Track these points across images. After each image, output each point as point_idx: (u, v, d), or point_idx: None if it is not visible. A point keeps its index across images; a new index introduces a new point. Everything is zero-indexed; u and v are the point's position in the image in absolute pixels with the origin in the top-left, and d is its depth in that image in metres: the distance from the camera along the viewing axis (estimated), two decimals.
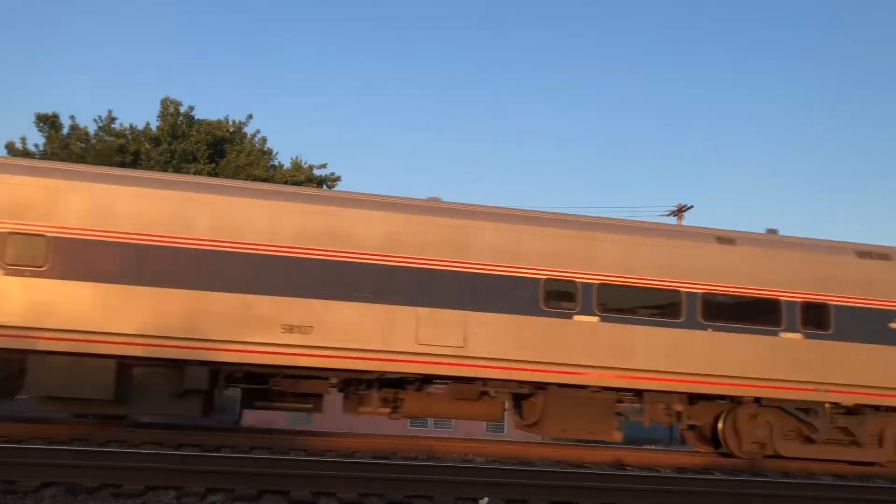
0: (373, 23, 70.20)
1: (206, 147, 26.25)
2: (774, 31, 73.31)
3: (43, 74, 58.58)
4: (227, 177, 25.09)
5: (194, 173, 23.87)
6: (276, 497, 7.28)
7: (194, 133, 26.46)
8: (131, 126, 27.04)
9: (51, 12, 59.41)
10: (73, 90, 57.59)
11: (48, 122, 26.31)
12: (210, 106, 62.21)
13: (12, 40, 58.51)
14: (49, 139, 26.16)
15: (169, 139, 26.07)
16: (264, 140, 28.15)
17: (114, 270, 10.72)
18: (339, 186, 28.32)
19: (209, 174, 24.63)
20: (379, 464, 8.45)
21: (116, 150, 25.37)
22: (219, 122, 27.58)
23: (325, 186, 27.59)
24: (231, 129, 27.67)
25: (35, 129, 26.60)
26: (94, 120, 26.95)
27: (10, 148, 25.79)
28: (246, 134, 28.02)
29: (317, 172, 27.73)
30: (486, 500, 7.64)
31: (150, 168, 24.22)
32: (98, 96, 60.26)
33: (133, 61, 58.52)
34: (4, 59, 58.17)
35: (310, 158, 37.20)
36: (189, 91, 63.21)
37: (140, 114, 48.69)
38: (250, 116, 28.40)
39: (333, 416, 14.58)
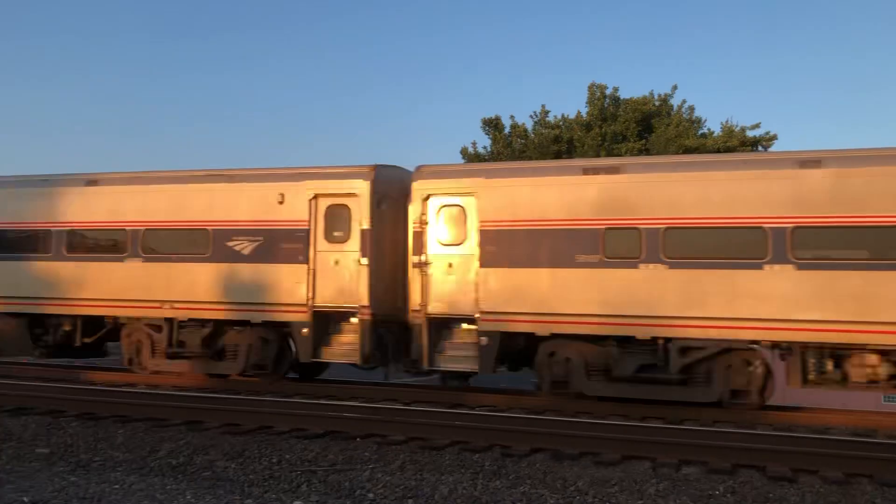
0: None
1: (634, 125, 26.62)
2: None
3: (489, 83, 64.98)
4: (657, 152, 25.16)
5: (625, 153, 24.39)
6: (752, 471, 7.12)
7: (622, 113, 26.98)
8: (563, 116, 28.59)
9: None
10: (514, 93, 62.93)
11: (492, 125, 29.08)
12: (634, 83, 63.16)
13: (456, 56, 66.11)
14: (494, 140, 28.89)
15: (599, 123, 26.99)
16: (692, 109, 27.59)
17: None
18: (776, 146, 26.54)
19: (639, 152, 24.95)
20: (866, 442, 7.73)
21: (552, 141, 27.05)
22: (644, 98, 27.73)
23: (759, 148, 26.08)
24: (657, 103, 27.64)
25: (482, 133, 29.64)
26: (530, 116, 29.07)
27: (464, 153, 29.11)
28: (672, 106, 27.75)
29: (750, 134, 26.36)
30: None
31: (584, 154, 25.33)
32: (533, 94, 65.02)
33: (560, 56, 61.90)
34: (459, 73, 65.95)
35: (740, 120, 35.31)
36: (613, 73, 64.80)
37: (570, 104, 51.56)
38: (675, 87, 28.06)
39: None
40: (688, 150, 23.38)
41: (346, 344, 12.28)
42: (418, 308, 11.99)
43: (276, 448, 7.92)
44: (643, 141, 26.44)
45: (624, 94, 27.98)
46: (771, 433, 8.33)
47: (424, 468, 7.23)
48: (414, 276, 12.11)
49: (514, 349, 11.91)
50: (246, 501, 6.18)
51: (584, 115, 27.87)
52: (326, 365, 13.57)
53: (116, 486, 6.42)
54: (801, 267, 10.23)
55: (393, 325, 12.38)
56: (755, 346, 10.62)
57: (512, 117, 28.88)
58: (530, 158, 25.24)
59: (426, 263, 12.05)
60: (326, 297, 12.29)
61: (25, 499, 5.95)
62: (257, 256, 12.64)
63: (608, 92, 27.90)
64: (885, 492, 6.61)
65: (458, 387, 13.08)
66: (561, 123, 28.29)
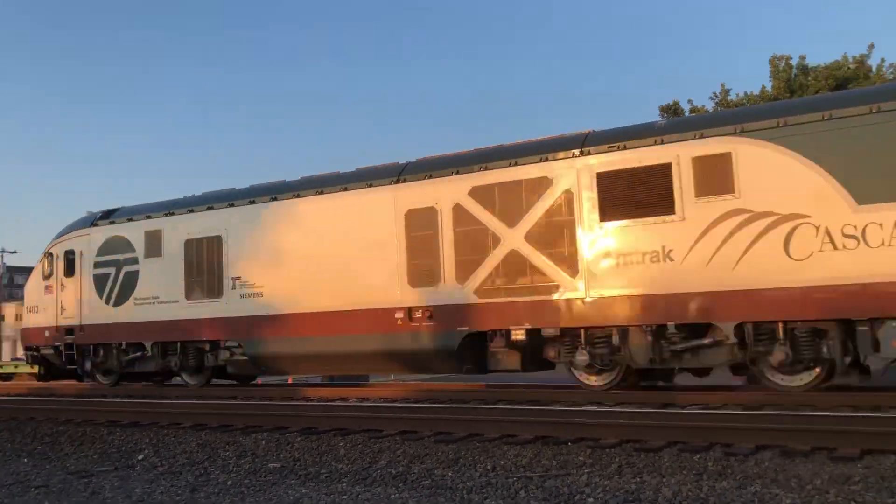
0: None
1: (828, 92, 24.72)
2: None
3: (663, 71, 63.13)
4: None
5: None
6: None
7: (812, 81, 25.18)
8: (746, 94, 27.08)
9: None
10: (688, 79, 60.84)
11: (671, 111, 28.09)
12: (820, 50, 58.83)
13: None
14: None
15: (787, 95, 25.31)
16: (895, 67, 25.20)
17: None
18: None
19: None
20: None
21: None
22: (836, 62, 25.72)
23: None
24: (852, 66, 25.51)
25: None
26: (710, 98, 27.84)
27: None
28: (871, 67, 25.50)
29: None
30: None
31: None
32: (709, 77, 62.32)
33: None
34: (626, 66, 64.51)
35: None
36: (797, 43, 60.83)
37: (753, 80, 48.89)
38: (872, 46, 25.81)
39: None
40: None
41: None
42: None
43: (489, 455, 7.98)
44: None
45: (813, 62, 26.16)
46: None
47: (643, 471, 7.00)
48: None
49: None
50: None
51: (770, 90, 26.28)
52: None
53: (345, 497, 6.71)
54: None
55: None
56: None
57: (690, 101, 27.82)
58: None
59: None
60: None
61: None
62: None
63: (794, 62, 26.18)
64: None
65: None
66: (745, 101, 26.83)
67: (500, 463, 7.64)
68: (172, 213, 17.42)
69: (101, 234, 18.41)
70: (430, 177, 14.08)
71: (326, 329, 14.62)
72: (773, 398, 10.81)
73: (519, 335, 12.87)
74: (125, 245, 17.80)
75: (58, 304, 18.70)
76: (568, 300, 12.54)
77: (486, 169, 13.56)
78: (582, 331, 12.53)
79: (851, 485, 6.14)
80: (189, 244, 16.80)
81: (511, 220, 13.13)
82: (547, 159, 12.98)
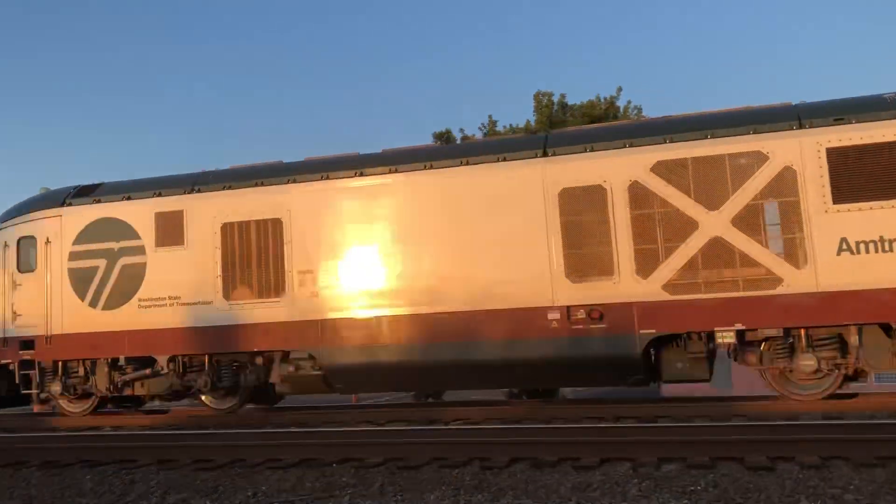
0: None
1: None
2: None
3: (438, 96, 65.40)
4: None
5: None
6: (732, 463, 7.15)
7: (570, 118, 27.29)
8: (511, 127, 28.78)
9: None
10: (461, 107, 63.55)
11: (443, 139, 29.17)
12: (582, 89, 64.15)
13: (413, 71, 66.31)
14: None
15: (547, 130, 27.27)
16: (639, 109, 28.00)
17: None
18: None
19: None
20: (839, 425, 7.84)
21: None
22: (591, 102, 28.10)
23: None
24: (604, 107, 28.00)
25: None
26: (479, 128, 29.25)
27: None
28: (619, 108, 28.13)
29: None
30: None
31: None
32: (480, 107, 65.56)
33: (506, 68, 62.47)
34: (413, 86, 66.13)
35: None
36: (561, 81, 65.86)
37: (518, 114, 52.30)
38: (620, 89, 28.49)
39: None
40: None
41: None
42: None
43: (251, 481, 7.74)
44: None
45: (571, 101, 28.41)
46: (746, 424, 8.40)
47: (405, 488, 7.13)
48: None
49: None
50: None
51: (533, 124, 28.15)
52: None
53: None
54: None
55: None
56: None
57: (462, 130, 29.05)
58: None
59: None
60: None
61: None
62: None
63: (555, 99, 28.25)
64: (862, 472, 6.70)
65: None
66: (511, 132, 28.51)
67: (263, 489, 7.43)
68: (198, 190, 13.92)
69: (82, 215, 14.35)
70: (592, 149, 12.02)
71: (446, 334, 12.17)
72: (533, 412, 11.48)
73: (727, 338, 11.13)
74: (123, 230, 14.02)
75: (7, 308, 14.56)
76: (793, 295, 10.86)
77: (671, 141, 11.70)
78: (802, 331, 10.99)
79: (591, 491, 6.65)
80: (228, 229, 13.47)
81: (712, 201, 11.30)
82: (757, 131, 11.34)
